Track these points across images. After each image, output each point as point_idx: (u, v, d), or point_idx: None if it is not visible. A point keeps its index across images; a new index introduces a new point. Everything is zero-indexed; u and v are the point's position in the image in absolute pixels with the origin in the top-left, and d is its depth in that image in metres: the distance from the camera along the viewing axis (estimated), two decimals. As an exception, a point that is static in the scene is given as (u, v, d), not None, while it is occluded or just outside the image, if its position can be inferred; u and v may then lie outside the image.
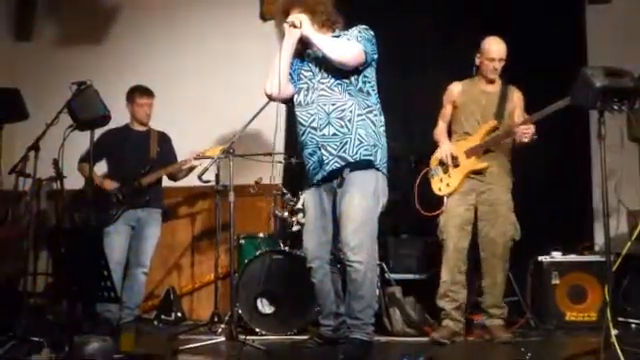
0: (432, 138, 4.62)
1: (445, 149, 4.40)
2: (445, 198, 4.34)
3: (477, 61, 4.42)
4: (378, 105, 3.69)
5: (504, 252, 4.25)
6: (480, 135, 4.32)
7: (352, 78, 3.62)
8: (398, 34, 5.65)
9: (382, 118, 3.70)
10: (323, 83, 3.64)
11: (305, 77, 3.72)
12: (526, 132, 4.11)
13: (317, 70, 3.69)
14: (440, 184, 4.39)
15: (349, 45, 3.58)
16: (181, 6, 6.23)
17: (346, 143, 3.55)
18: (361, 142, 3.55)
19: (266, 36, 5.82)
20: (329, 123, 3.58)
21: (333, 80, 3.63)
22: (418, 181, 4.48)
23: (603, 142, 3.41)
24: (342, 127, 3.56)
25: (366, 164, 3.57)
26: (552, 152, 4.94)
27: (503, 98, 4.37)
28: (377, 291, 4.61)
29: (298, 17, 3.58)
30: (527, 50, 5.02)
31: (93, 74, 4.50)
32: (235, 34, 6.10)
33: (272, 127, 5.05)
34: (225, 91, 5.99)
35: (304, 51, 3.74)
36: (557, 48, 5.26)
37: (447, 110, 4.53)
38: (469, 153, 4.31)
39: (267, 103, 3.97)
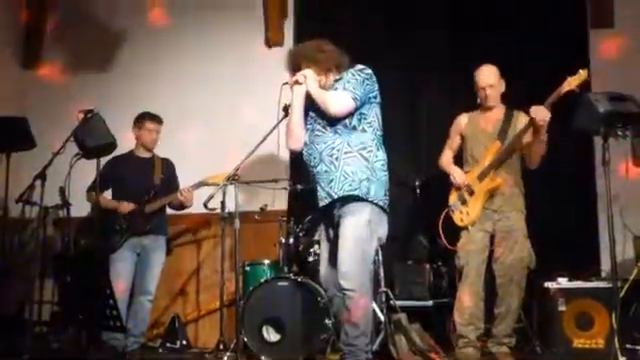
0: (438, 166, 4.63)
1: (458, 175, 4.43)
2: (469, 227, 4.34)
3: (476, 91, 4.47)
4: (375, 141, 3.77)
5: (520, 279, 4.24)
6: (487, 158, 4.34)
7: (346, 118, 3.74)
8: (402, 58, 5.71)
9: (380, 154, 3.77)
10: (319, 124, 3.81)
11: (311, 118, 3.88)
12: (538, 113, 4.08)
13: (317, 112, 3.83)
14: (461, 215, 4.40)
15: (339, 98, 3.72)
16: (187, 33, 6.29)
17: (332, 180, 3.68)
18: (346, 178, 3.67)
19: (271, 62, 5.93)
20: (321, 161, 3.73)
21: (326, 121, 3.78)
22: (442, 219, 4.48)
23: (607, 167, 3.41)
24: (331, 164, 3.70)
25: (354, 198, 3.65)
26: (557, 178, 4.93)
27: (507, 121, 4.40)
28: (382, 317, 4.63)
29: (303, 73, 3.77)
30: (530, 75, 5.05)
31: (100, 101, 4.57)
32: (240, 60, 6.16)
33: (277, 154, 5.12)
34: (230, 116, 6.03)
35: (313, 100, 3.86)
36: (560, 73, 5.28)
37: (454, 141, 4.58)
38: (481, 177, 4.33)
39: (271, 130, 4.00)
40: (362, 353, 3.61)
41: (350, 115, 3.74)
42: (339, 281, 3.60)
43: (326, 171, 3.71)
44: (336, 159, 3.69)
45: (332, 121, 3.75)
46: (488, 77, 4.40)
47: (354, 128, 3.74)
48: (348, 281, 3.57)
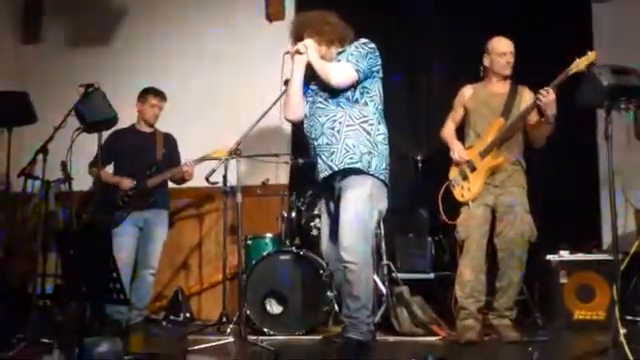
0: (440, 138, 4.62)
1: (458, 151, 4.41)
2: (470, 203, 4.33)
3: (486, 62, 4.42)
4: (376, 115, 3.79)
5: (521, 253, 4.25)
6: (490, 134, 4.32)
7: (348, 91, 3.75)
8: (406, 34, 5.68)
9: (381, 127, 3.80)
10: (321, 96, 3.81)
11: (312, 91, 3.88)
12: (545, 94, 4.04)
13: (319, 84, 3.83)
14: (462, 191, 4.38)
15: (342, 69, 3.74)
16: (188, 6, 6.24)
17: (333, 153, 3.70)
18: (347, 151, 3.68)
19: (272, 37, 5.90)
20: (323, 133, 3.75)
21: (328, 93, 3.79)
22: (441, 193, 4.47)
23: (610, 141, 3.41)
24: (332, 137, 3.71)
25: (355, 171, 3.67)
26: (559, 151, 4.92)
27: (512, 96, 4.37)
28: (383, 290, 4.66)
29: (304, 43, 3.76)
30: (532, 49, 5.00)
31: (100, 76, 4.54)
32: (241, 35, 6.12)
33: (278, 128, 5.13)
34: (231, 91, 6.01)
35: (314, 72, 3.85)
36: (562, 47, 5.24)
37: (457, 113, 4.54)
38: (484, 153, 4.31)
39: (273, 104, 4.00)
40: (363, 325, 3.66)
41: (352, 88, 3.74)
42: (341, 254, 3.63)
43: (327, 144, 3.72)
44: (338, 132, 3.70)
45: (334, 94, 3.75)
46: (510, 44, 4.36)
47: (356, 101, 3.75)
48: (350, 254, 3.61)
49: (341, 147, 3.68)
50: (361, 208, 3.65)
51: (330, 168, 3.70)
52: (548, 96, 4.03)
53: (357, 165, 3.66)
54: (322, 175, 3.75)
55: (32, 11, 6.58)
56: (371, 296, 3.78)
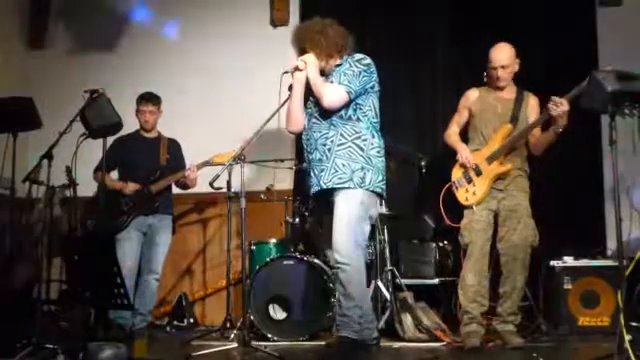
0: (443, 141, 4.61)
1: (464, 154, 4.40)
2: (474, 206, 4.32)
3: (487, 70, 4.42)
4: (370, 129, 3.83)
5: (524, 257, 4.24)
6: (497, 140, 4.31)
7: (341, 109, 3.79)
8: (409, 37, 5.69)
9: (375, 141, 3.83)
10: (317, 112, 3.88)
11: (311, 102, 3.94)
12: (558, 103, 4.03)
13: (315, 100, 3.89)
14: (466, 194, 4.37)
15: (334, 92, 3.77)
16: (192, 13, 6.26)
17: (323, 170, 3.78)
18: (336, 171, 3.74)
19: (276, 41, 5.91)
20: (316, 149, 3.83)
21: (322, 110, 3.84)
22: (443, 193, 4.47)
23: (615, 146, 3.40)
24: (323, 154, 3.79)
25: (344, 189, 3.73)
26: (564, 157, 4.92)
27: (518, 102, 4.37)
28: (388, 296, 4.66)
29: (304, 59, 3.82)
30: (538, 53, 5.01)
31: (105, 81, 4.55)
32: (246, 40, 6.13)
33: (282, 133, 5.12)
34: (235, 96, 6.02)
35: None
36: (568, 51, 5.26)
37: (462, 116, 4.53)
38: (490, 159, 4.30)
39: (277, 110, 4.00)
40: (355, 324, 3.71)
41: (345, 106, 3.79)
42: (335, 256, 3.71)
43: (319, 159, 3.80)
44: (329, 150, 3.77)
45: (327, 111, 3.80)
46: (502, 58, 4.31)
47: (349, 118, 3.81)
48: (343, 256, 3.68)
49: (330, 166, 3.75)
50: (353, 213, 3.72)
51: (319, 185, 3.80)
52: (562, 107, 4.03)
53: (345, 185, 3.73)
54: (313, 190, 3.86)
55: (38, 17, 6.60)
56: (365, 297, 3.85)
